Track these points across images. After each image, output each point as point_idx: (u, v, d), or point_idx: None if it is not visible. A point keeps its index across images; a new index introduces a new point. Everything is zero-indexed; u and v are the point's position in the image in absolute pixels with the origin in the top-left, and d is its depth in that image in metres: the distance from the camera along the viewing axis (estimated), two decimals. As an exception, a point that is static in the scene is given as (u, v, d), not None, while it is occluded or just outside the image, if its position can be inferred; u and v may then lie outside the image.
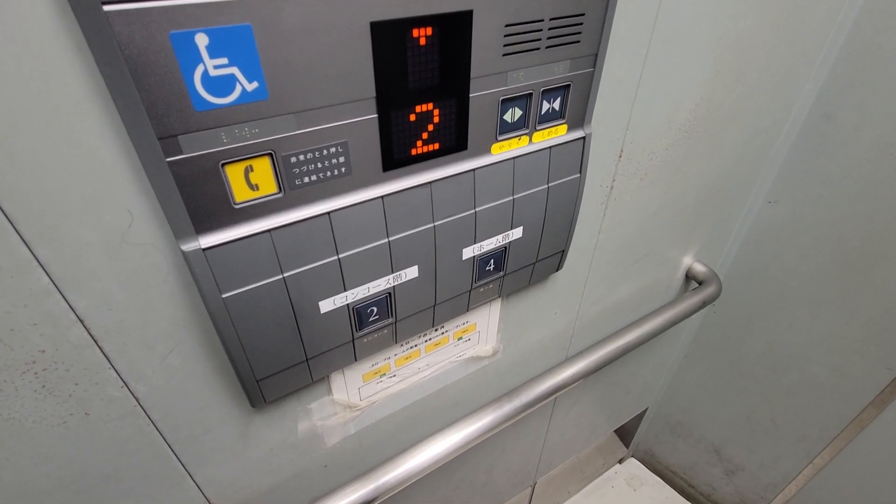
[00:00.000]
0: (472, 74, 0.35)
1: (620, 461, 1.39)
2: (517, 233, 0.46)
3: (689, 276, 0.84)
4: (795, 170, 0.77)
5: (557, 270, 0.56)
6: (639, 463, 1.39)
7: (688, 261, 0.83)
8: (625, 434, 1.36)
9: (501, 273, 0.49)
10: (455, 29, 0.32)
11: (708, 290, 0.78)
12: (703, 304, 0.79)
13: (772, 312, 0.91)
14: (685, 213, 0.70)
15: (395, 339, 0.46)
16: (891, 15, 0.60)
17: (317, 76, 0.29)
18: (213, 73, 0.25)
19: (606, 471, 1.37)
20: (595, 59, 0.41)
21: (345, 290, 0.38)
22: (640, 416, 1.26)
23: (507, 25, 0.34)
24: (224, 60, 0.25)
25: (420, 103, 0.34)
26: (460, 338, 0.56)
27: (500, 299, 0.55)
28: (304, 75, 0.28)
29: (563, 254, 0.54)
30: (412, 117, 0.34)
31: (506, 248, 0.47)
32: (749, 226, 0.86)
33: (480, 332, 0.57)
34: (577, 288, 0.65)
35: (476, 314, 0.54)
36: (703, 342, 1.06)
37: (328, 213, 0.34)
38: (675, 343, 1.04)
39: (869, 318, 0.79)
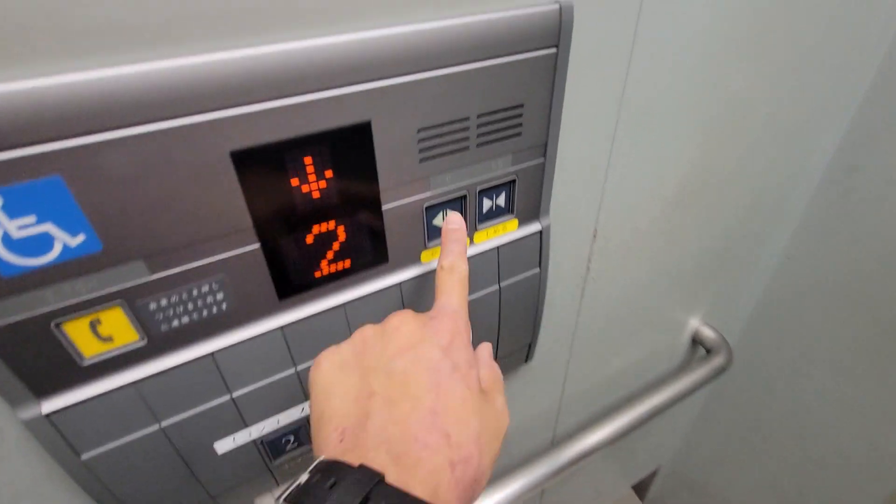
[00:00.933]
0: (382, 186, 0.29)
1: (635, 518, 1.29)
2: (466, 337, 0.40)
3: (696, 341, 0.76)
4: (817, 225, 0.68)
5: (527, 362, 0.49)
6: (655, 520, 1.29)
7: (694, 324, 0.74)
8: (640, 488, 1.26)
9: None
10: (349, 144, 0.27)
11: (716, 361, 0.69)
12: (714, 376, 0.70)
13: (796, 377, 0.81)
14: (684, 279, 0.63)
15: (328, 458, 0.40)
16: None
17: (168, 217, 0.24)
18: (17, 234, 0.21)
19: (619, 528, 1.27)
20: (545, 148, 0.35)
21: (247, 427, 0.33)
22: (652, 476, 1.16)
23: (420, 130, 0.29)
24: (30, 219, 0.21)
25: (318, 223, 0.28)
26: (417, 438, 0.50)
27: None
28: (149, 218, 0.23)
29: (529, 346, 0.47)
30: (309, 239, 0.29)
31: (454, 353, 0.41)
32: (766, 284, 0.77)
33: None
34: (557, 370, 0.58)
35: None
36: (719, 401, 0.96)
37: (211, 353, 0.29)
38: (687, 402, 0.95)
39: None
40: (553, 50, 0.30)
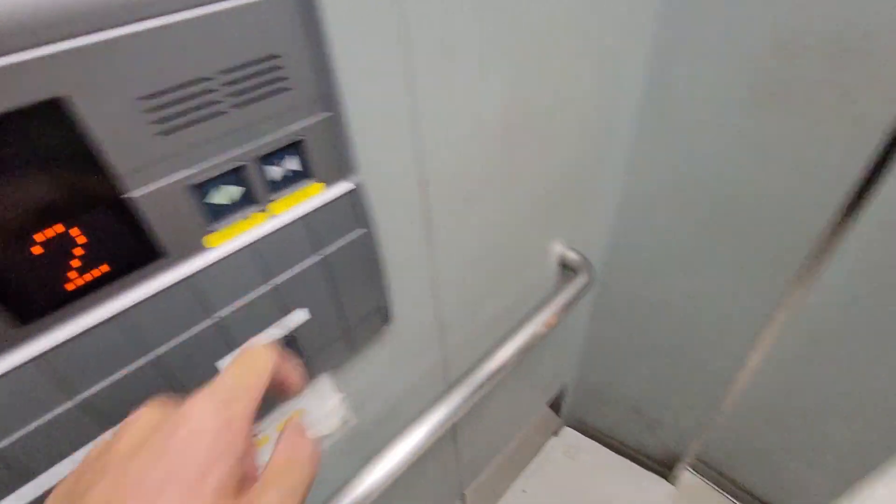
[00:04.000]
0: (116, 171, 0.25)
1: (556, 433, 1.40)
2: (301, 316, 0.38)
3: (564, 266, 0.80)
4: (647, 141, 0.74)
5: (387, 324, 0.48)
6: (574, 431, 1.41)
7: (560, 250, 0.78)
8: (554, 406, 1.37)
9: (300, 360, 0.40)
10: (39, 129, 0.22)
11: (579, 281, 0.74)
12: (581, 292, 0.75)
13: (662, 277, 0.90)
14: (538, 212, 0.65)
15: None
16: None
17: None
18: None
19: (543, 446, 1.37)
20: (329, 100, 0.32)
21: (33, 480, 0.28)
22: (561, 394, 1.26)
23: (143, 98, 0.24)
24: None
25: (38, 230, 0.24)
26: (288, 428, 0.47)
27: (322, 376, 0.47)
28: None
29: (385, 309, 0.46)
30: (37, 250, 0.24)
31: (292, 337, 0.38)
32: (618, 201, 0.83)
33: (313, 414, 0.49)
34: (428, 324, 0.58)
35: (294, 402, 0.46)
36: (603, 318, 1.05)
37: (-64, 410, 0.24)
38: (572, 326, 1.02)
39: (741, 261, 0.79)
40: (295, -14, 0.27)
